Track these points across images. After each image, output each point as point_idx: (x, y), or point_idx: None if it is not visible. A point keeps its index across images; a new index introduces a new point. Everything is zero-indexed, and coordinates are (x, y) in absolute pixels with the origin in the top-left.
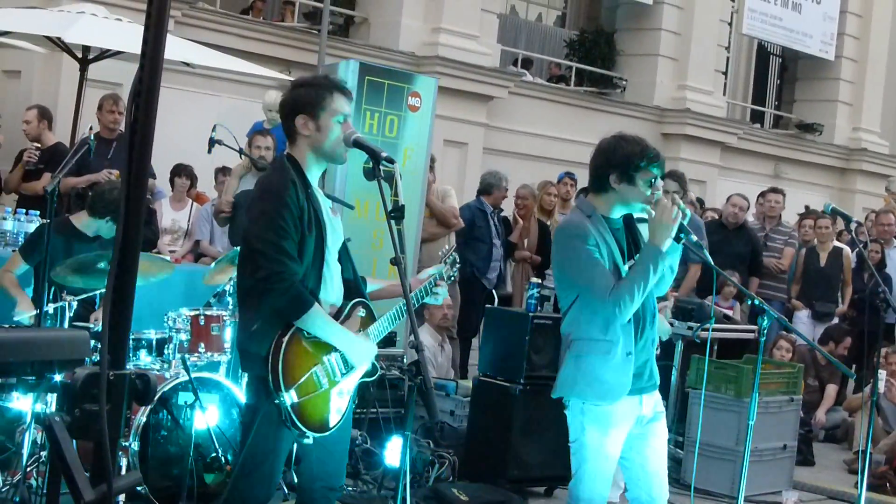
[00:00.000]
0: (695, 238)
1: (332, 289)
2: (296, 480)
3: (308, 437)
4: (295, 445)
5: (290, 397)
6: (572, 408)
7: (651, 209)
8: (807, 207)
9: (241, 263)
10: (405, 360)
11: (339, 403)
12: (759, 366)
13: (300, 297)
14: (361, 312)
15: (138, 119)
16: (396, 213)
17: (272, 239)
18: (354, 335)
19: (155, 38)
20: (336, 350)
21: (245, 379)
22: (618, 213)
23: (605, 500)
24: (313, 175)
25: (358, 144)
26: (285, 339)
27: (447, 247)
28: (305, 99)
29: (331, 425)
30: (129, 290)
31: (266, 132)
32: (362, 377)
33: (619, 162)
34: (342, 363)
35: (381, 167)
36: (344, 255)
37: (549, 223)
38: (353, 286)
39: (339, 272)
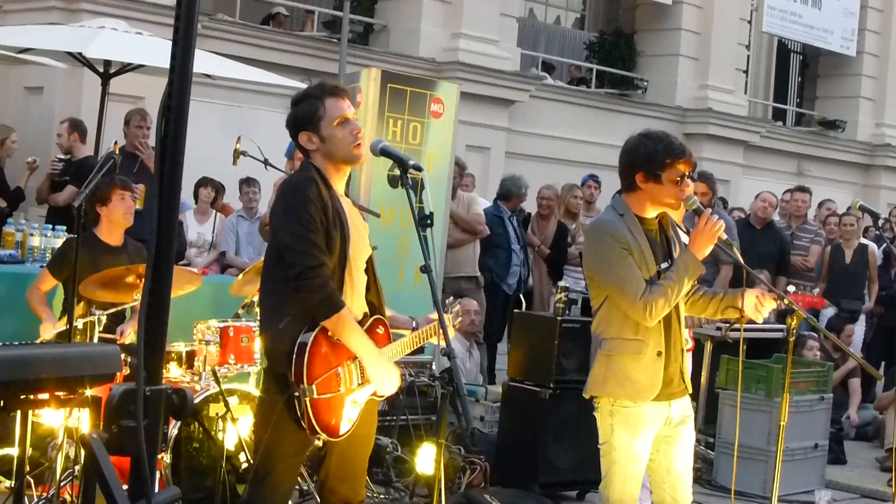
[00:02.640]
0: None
1: (354, 298)
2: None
3: (319, 437)
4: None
5: (310, 391)
6: (601, 409)
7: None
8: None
9: (268, 261)
10: (434, 367)
11: (350, 412)
12: (789, 365)
13: (332, 297)
14: (380, 330)
15: (168, 134)
16: (426, 221)
17: (300, 232)
18: (378, 351)
19: (183, 53)
20: (355, 359)
21: (262, 377)
22: (651, 213)
23: (634, 501)
24: (334, 179)
25: (385, 153)
26: (311, 335)
27: (451, 299)
28: (302, 115)
29: (341, 432)
30: (163, 306)
31: None
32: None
33: (643, 161)
34: (359, 373)
35: (408, 175)
36: (370, 272)
37: (573, 226)
38: (378, 306)
39: (364, 284)
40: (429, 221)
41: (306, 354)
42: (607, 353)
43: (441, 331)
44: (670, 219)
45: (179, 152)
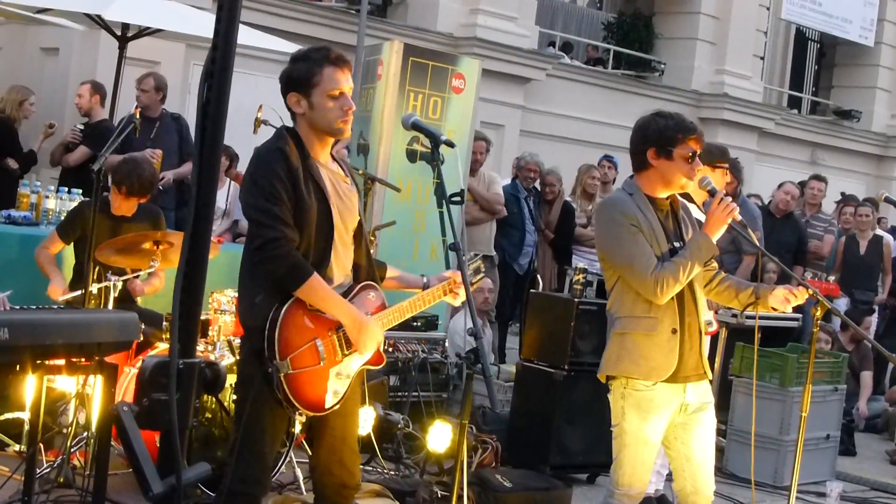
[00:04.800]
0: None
1: (339, 268)
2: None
3: (301, 413)
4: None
5: (283, 367)
6: (614, 391)
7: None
8: (843, 194)
9: (245, 238)
10: (446, 344)
11: (336, 385)
12: (812, 355)
13: (298, 265)
14: (371, 296)
15: (210, 100)
16: (456, 198)
17: (264, 206)
18: (358, 312)
19: (228, 19)
20: (339, 329)
21: (242, 351)
22: (662, 194)
23: (644, 485)
24: (315, 147)
25: (417, 127)
26: (284, 308)
27: (471, 254)
28: (297, 75)
29: (326, 406)
30: (199, 277)
31: None
32: (365, 364)
33: (654, 137)
34: (344, 343)
35: (439, 150)
36: (358, 238)
37: (590, 207)
38: (368, 272)
39: (350, 253)
40: (458, 199)
41: (278, 328)
42: (621, 332)
43: (470, 312)
44: (682, 202)
45: (221, 119)
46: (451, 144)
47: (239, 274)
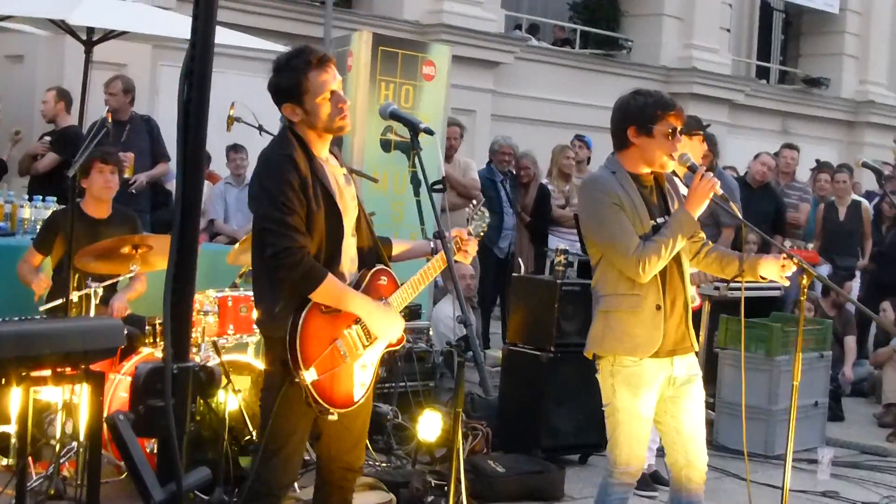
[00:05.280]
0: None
1: (347, 261)
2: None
3: (333, 413)
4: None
5: (310, 375)
6: (602, 370)
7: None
8: (818, 161)
9: (255, 244)
10: (431, 333)
11: (362, 377)
12: (801, 324)
13: (312, 270)
14: (383, 280)
15: (192, 98)
16: (438, 186)
17: (276, 216)
18: (375, 303)
19: (205, 15)
20: (357, 322)
21: (265, 355)
22: (644, 170)
23: (642, 462)
24: (316, 146)
25: (395, 116)
26: (302, 316)
27: (475, 202)
28: (285, 86)
29: (355, 399)
30: (190, 281)
31: None
32: (388, 347)
33: (634, 114)
34: (364, 335)
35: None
36: (361, 224)
37: (567, 187)
38: (374, 254)
39: (354, 247)
40: (440, 186)
41: (298, 338)
42: (605, 310)
43: (455, 298)
44: (668, 176)
45: (203, 117)
46: (430, 132)
47: (253, 281)
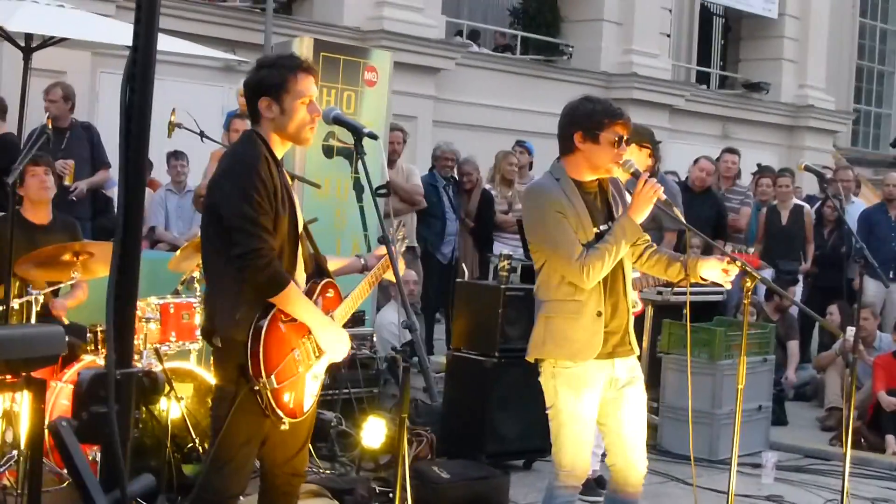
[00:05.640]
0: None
1: (300, 270)
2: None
3: (285, 423)
4: None
5: (270, 383)
6: (545, 373)
7: (635, 179)
8: (759, 165)
9: (211, 245)
10: (374, 339)
11: (312, 387)
12: (745, 327)
13: (279, 274)
14: (330, 293)
15: (134, 103)
16: (382, 191)
17: (249, 214)
18: (328, 320)
19: (147, 19)
20: (310, 334)
21: (216, 364)
22: (589, 177)
23: (586, 464)
24: (278, 153)
25: (339, 121)
26: (264, 322)
27: (396, 222)
28: (269, 81)
29: (305, 409)
30: (132, 285)
31: (245, 116)
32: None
33: (581, 119)
34: (315, 347)
35: (362, 143)
36: (304, 235)
37: (509, 193)
38: (317, 265)
39: (304, 255)
40: (384, 191)
41: (261, 344)
42: (546, 315)
43: (401, 306)
44: (613, 181)
45: (145, 123)
46: (374, 136)
47: (210, 282)
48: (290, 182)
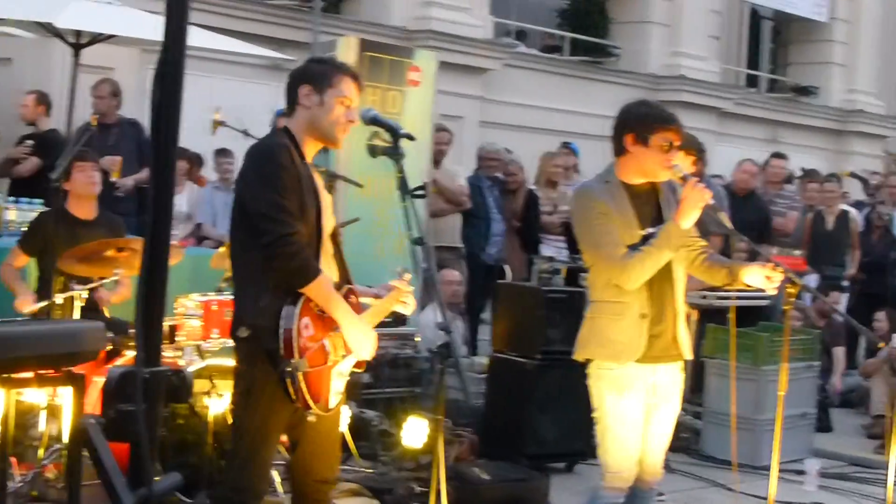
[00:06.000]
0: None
1: (326, 268)
2: None
3: (312, 412)
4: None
5: (302, 365)
6: (591, 375)
7: (682, 183)
8: (803, 169)
9: (238, 233)
10: (417, 339)
11: (337, 385)
12: (786, 334)
13: (309, 262)
14: (352, 300)
15: (163, 101)
16: (419, 192)
17: (275, 200)
18: (358, 318)
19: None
20: (337, 329)
21: (239, 355)
22: (638, 180)
23: (632, 466)
24: (307, 152)
25: (376, 121)
26: (297, 307)
27: (399, 268)
28: (316, 71)
29: (331, 406)
30: (161, 284)
31: None
32: (353, 368)
33: (633, 122)
34: (342, 344)
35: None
36: (335, 241)
37: (554, 194)
38: (342, 274)
39: (332, 254)
40: (421, 192)
41: (295, 327)
42: (591, 316)
43: (438, 306)
44: (668, 184)
45: (175, 119)
46: (410, 137)
47: (235, 270)
48: (318, 179)
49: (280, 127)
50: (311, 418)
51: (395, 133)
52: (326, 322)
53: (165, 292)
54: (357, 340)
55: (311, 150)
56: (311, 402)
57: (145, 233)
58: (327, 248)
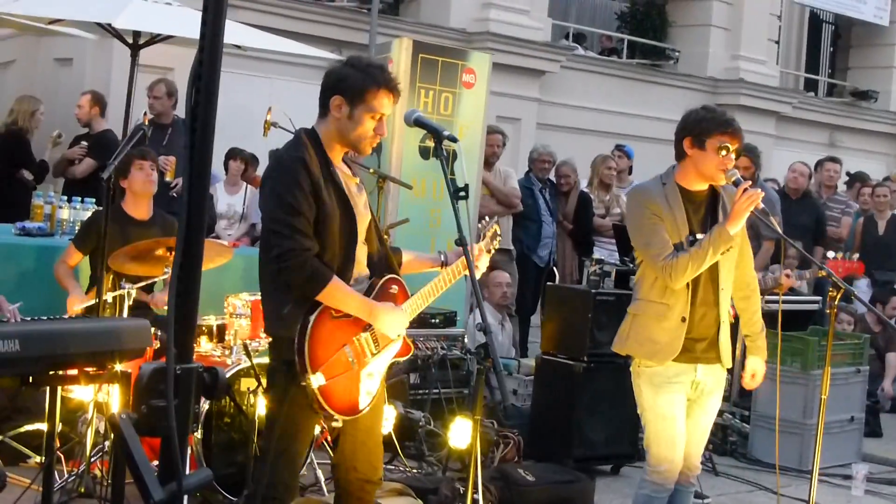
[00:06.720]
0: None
1: (358, 266)
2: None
3: (337, 419)
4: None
5: (316, 380)
6: (633, 372)
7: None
8: (848, 174)
9: (262, 245)
10: (465, 340)
11: (368, 385)
12: (830, 337)
13: (317, 272)
14: (394, 289)
15: (199, 103)
16: (462, 193)
17: (281, 217)
18: (378, 304)
19: (214, 21)
20: (366, 330)
21: (272, 364)
22: (697, 185)
23: (672, 462)
24: (333, 151)
25: (420, 123)
26: (312, 318)
27: (486, 220)
28: (351, 83)
29: (360, 407)
30: (194, 281)
31: None
32: (394, 358)
33: (690, 125)
34: (373, 342)
35: (443, 146)
36: (372, 233)
37: (607, 197)
38: (384, 262)
39: (365, 249)
40: (463, 193)
41: (307, 341)
42: (634, 312)
43: (478, 306)
44: (729, 190)
45: (210, 121)
46: (453, 139)
47: (260, 282)
48: (351, 182)
49: (298, 130)
50: (336, 424)
51: (437, 134)
52: (351, 325)
53: (199, 286)
54: (384, 325)
55: (338, 153)
56: (330, 412)
57: (178, 229)
58: (358, 249)
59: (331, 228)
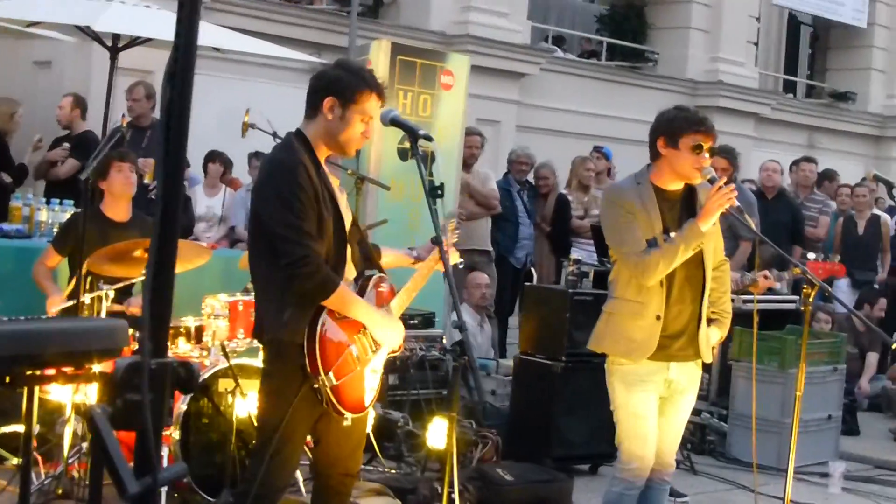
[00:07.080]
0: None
1: (348, 268)
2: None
3: (348, 418)
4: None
5: (329, 380)
6: (607, 369)
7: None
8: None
9: (257, 249)
10: (444, 341)
11: (371, 382)
12: (805, 336)
13: (327, 279)
14: (383, 287)
15: (174, 100)
16: (436, 192)
17: (292, 222)
18: (381, 313)
19: (189, 18)
20: (364, 329)
21: (272, 366)
22: (672, 184)
23: (643, 460)
24: (321, 156)
25: (396, 123)
26: (319, 322)
27: (443, 218)
28: (343, 84)
29: (366, 404)
30: (168, 277)
31: None
32: (390, 354)
33: (663, 125)
34: (371, 341)
35: (418, 145)
36: (353, 234)
37: (585, 198)
38: (365, 262)
39: (351, 252)
40: (439, 192)
41: (317, 343)
42: (609, 311)
43: (454, 305)
44: (702, 190)
45: (185, 120)
46: (428, 138)
47: (255, 285)
48: (333, 184)
49: (289, 133)
50: (346, 423)
51: (413, 134)
52: (351, 325)
53: (173, 282)
54: (385, 336)
55: (323, 155)
56: (343, 412)
57: (154, 227)
58: (348, 246)
59: (327, 231)
